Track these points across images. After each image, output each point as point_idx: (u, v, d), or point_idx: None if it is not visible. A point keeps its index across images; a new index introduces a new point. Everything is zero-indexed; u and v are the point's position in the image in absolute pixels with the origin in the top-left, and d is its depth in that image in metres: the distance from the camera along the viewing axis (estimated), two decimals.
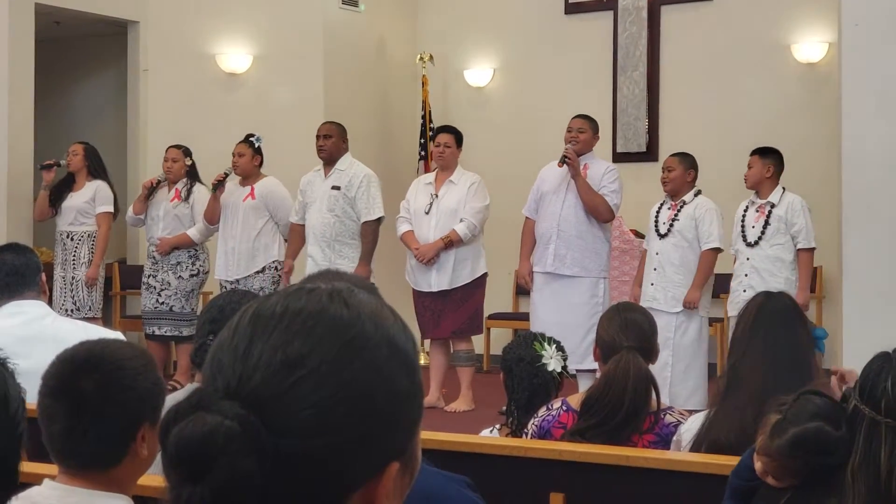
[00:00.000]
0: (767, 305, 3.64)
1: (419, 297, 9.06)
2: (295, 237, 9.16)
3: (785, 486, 2.62)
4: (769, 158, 8.13)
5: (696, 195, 8.35)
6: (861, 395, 2.49)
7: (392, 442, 1.19)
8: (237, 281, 9.13)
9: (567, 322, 7.91)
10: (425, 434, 4.18)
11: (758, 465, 2.68)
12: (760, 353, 3.56)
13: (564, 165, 8.34)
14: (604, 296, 8.43)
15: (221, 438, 1.08)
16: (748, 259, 8.06)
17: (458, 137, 9.11)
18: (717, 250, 8.26)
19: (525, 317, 9.62)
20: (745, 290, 7.95)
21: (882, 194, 8.11)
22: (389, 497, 1.19)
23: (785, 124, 10.41)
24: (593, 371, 8.02)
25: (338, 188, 8.89)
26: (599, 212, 8.37)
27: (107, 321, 9.90)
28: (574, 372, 7.62)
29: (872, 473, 2.42)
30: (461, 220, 8.84)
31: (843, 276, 8.33)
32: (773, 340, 3.57)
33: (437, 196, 8.96)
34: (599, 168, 8.50)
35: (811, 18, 10.66)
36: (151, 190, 9.59)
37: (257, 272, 9.18)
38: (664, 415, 4.07)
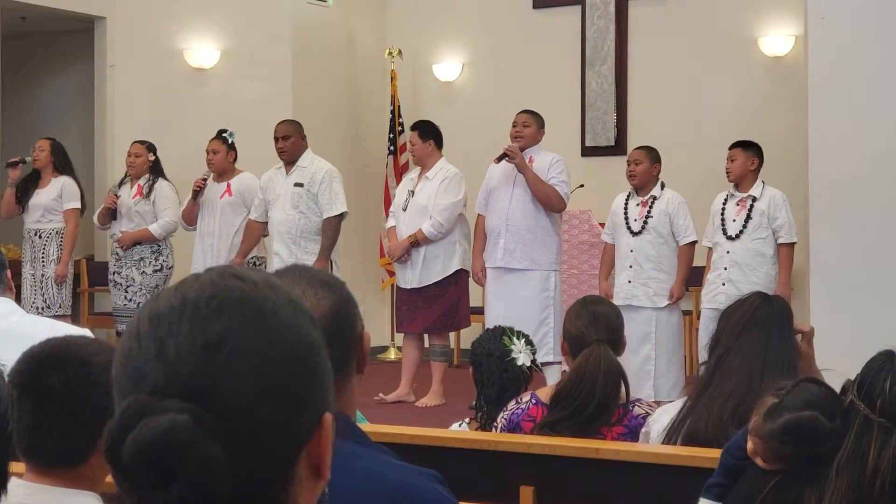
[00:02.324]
0: (764, 308, 3.64)
1: (398, 291, 9.18)
2: (249, 234, 9.12)
3: (773, 470, 2.63)
4: (752, 151, 8.13)
5: (662, 189, 8.37)
6: (859, 391, 2.48)
7: (322, 392, 1.21)
8: None
9: (518, 316, 7.85)
10: (395, 428, 4.18)
11: (749, 445, 2.69)
12: (751, 351, 3.56)
13: (509, 162, 8.38)
14: (555, 289, 8.46)
15: (182, 432, 1.08)
16: (728, 252, 8.03)
17: (423, 131, 9.07)
18: (695, 243, 8.29)
19: None
20: (723, 284, 7.96)
21: (849, 187, 8.15)
22: (330, 448, 1.22)
23: (752, 118, 10.46)
24: (556, 363, 8.06)
25: (301, 185, 8.86)
26: (552, 202, 8.39)
27: (75, 318, 9.86)
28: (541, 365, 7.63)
29: (858, 470, 2.41)
30: (430, 218, 8.84)
31: (811, 270, 8.37)
32: (765, 341, 3.57)
33: (412, 193, 8.97)
34: (545, 159, 8.52)
35: (778, 12, 10.71)
36: (113, 210, 9.50)
37: None
38: (633, 406, 4.08)
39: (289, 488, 1.18)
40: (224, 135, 9.24)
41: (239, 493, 1.12)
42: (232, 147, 9.25)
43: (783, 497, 2.60)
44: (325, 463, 1.22)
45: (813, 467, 2.51)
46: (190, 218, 9.32)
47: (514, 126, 8.60)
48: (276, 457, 1.16)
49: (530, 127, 8.56)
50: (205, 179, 9.21)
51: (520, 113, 8.70)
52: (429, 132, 9.07)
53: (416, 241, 8.81)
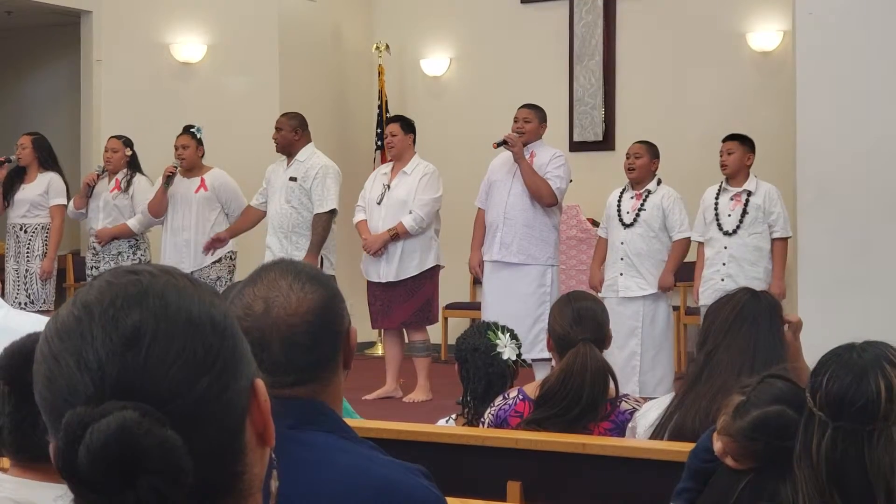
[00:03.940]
0: (752, 303, 3.63)
1: (370, 286, 9.05)
2: (244, 216, 9.12)
3: (743, 469, 2.64)
4: (748, 146, 8.11)
5: (658, 184, 8.35)
6: (810, 385, 2.50)
7: (246, 358, 1.23)
8: (192, 273, 9.04)
9: (515, 311, 7.82)
10: (382, 424, 4.17)
11: (717, 446, 2.69)
12: (739, 347, 3.54)
13: (508, 151, 8.35)
14: (552, 285, 8.39)
15: (133, 426, 1.08)
16: (726, 248, 8.01)
17: (405, 125, 9.06)
18: (689, 239, 8.26)
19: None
20: (723, 279, 7.91)
21: (836, 182, 8.16)
22: (270, 413, 1.24)
23: (740, 113, 10.46)
24: (548, 360, 8.03)
25: (294, 179, 8.84)
26: (542, 195, 8.33)
27: None
28: (530, 361, 7.61)
29: (808, 463, 2.43)
30: (410, 212, 8.82)
31: (798, 264, 8.38)
32: (754, 337, 3.56)
33: (388, 187, 8.94)
34: (546, 155, 8.47)
35: (766, 7, 10.72)
36: (92, 187, 9.47)
37: (214, 262, 9.12)
38: (620, 402, 4.08)
39: (244, 459, 1.21)
40: (192, 130, 9.18)
41: (201, 473, 1.12)
42: (200, 142, 9.20)
43: (757, 495, 2.60)
44: (269, 429, 1.24)
45: (784, 462, 2.52)
46: (159, 209, 9.20)
47: (515, 121, 8.52)
48: (223, 430, 1.18)
49: (531, 122, 8.49)
50: (175, 167, 9.16)
51: (521, 108, 8.62)
52: (410, 127, 9.07)
53: (397, 235, 8.79)
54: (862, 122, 8.11)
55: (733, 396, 2.70)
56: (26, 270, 9.35)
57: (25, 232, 9.40)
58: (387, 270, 8.87)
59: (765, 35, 10.79)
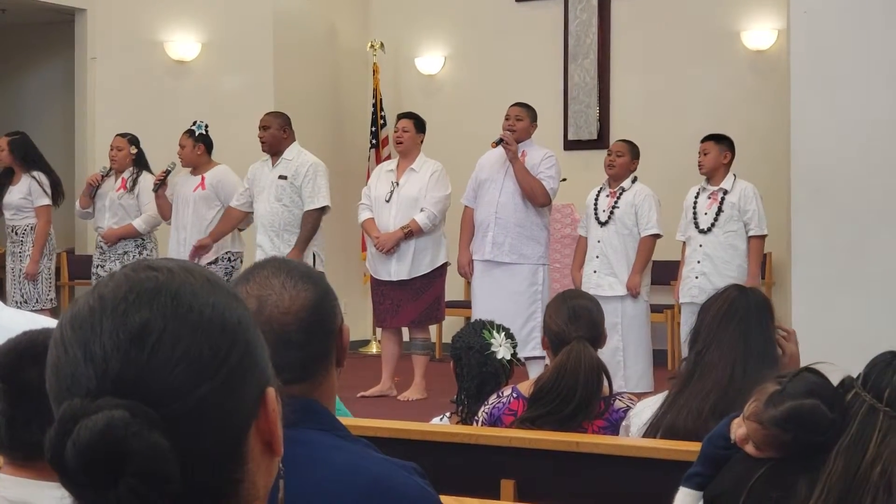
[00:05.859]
0: (741, 300, 3.64)
1: (378, 285, 9.01)
2: (225, 219, 9.02)
3: (763, 458, 2.65)
4: (725, 145, 8.19)
5: (633, 182, 8.41)
6: (864, 384, 2.56)
7: (258, 367, 1.22)
8: None
9: (506, 310, 7.78)
10: (377, 422, 4.18)
11: (740, 431, 2.70)
12: (731, 344, 3.55)
13: (501, 149, 8.35)
14: (543, 283, 8.40)
15: (120, 426, 1.08)
16: (701, 245, 8.08)
17: (418, 123, 9.05)
18: (657, 236, 8.33)
19: None
20: (696, 277, 8.01)
21: (831, 181, 8.17)
22: (279, 423, 1.23)
23: (735, 111, 10.48)
24: (542, 358, 8.04)
25: (284, 178, 8.81)
26: (536, 195, 8.35)
27: (56, 313, 9.81)
28: (524, 360, 7.61)
29: (857, 457, 2.49)
30: (422, 210, 8.80)
31: (793, 263, 8.39)
32: (745, 334, 3.56)
33: (397, 184, 8.92)
34: (537, 155, 8.48)
35: (761, 6, 10.73)
36: (95, 187, 9.44)
37: (210, 263, 9.08)
38: (614, 400, 4.08)
39: (244, 467, 1.19)
40: (191, 128, 9.15)
41: (192, 476, 1.12)
42: (199, 139, 9.12)
43: (773, 485, 2.62)
44: (277, 438, 1.23)
45: (806, 456, 2.54)
46: (163, 213, 9.24)
47: (506, 119, 8.53)
48: (222, 437, 1.16)
49: (523, 121, 8.50)
50: (167, 172, 9.13)
51: (512, 106, 8.63)
52: (423, 127, 9.06)
53: (411, 232, 8.77)
54: (856, 121, 8.12)
55: (767, 385, 2.71)
56: (20, 271, 9.36)
57: (16, 233, 9.42)
58: (399, 269, 8.84)
59: (759, 33, 10.81)
